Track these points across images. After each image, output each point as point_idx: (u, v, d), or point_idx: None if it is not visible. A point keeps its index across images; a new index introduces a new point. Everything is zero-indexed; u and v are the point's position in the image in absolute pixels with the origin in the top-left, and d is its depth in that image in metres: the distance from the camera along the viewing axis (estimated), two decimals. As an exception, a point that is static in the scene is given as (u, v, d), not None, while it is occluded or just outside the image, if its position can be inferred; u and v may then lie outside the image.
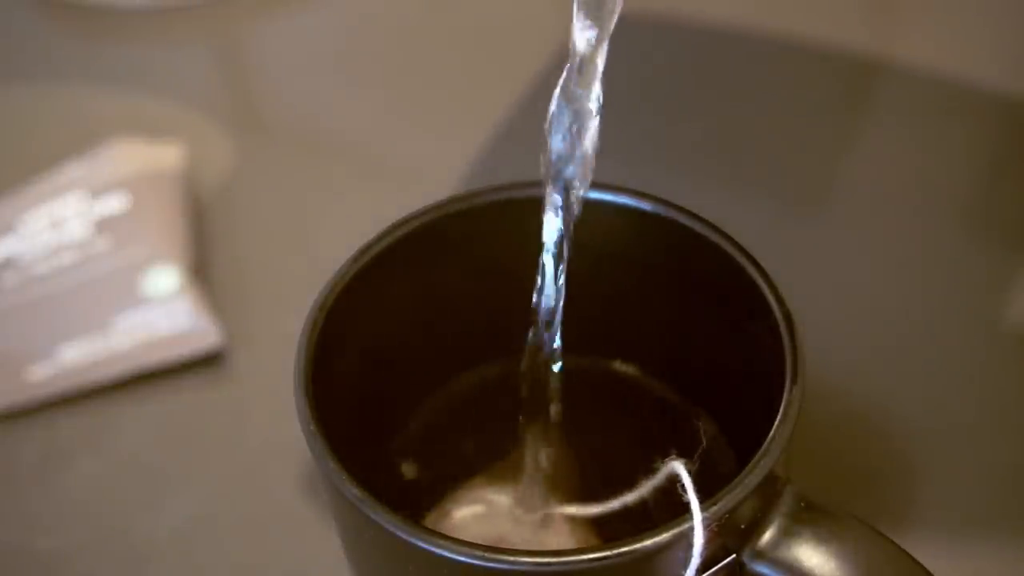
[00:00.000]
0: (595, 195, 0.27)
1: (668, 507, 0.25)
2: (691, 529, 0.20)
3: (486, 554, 0.20)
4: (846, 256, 0.40)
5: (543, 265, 0.24)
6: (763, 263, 0.25)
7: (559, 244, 0.23)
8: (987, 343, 0.37)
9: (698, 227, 0.25)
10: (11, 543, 0.34)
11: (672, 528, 0.20)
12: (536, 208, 0.27)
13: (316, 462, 0.22)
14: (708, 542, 0.20)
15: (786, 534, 0.21)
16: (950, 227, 0.41)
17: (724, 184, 0.43)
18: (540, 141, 0.23)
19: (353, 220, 0.40)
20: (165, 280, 0.39)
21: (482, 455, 0.29)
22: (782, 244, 0.40)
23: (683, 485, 0.20)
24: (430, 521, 0.27)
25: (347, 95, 0.49)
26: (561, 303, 0.24)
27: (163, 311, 0.38)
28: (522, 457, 0.28)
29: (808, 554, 0.21)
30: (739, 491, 0.20)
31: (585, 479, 0.28)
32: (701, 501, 0.20)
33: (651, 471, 0.21)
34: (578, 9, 0.20)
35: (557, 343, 0.25)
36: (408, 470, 0.29)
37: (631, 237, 0.27)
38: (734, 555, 0.20)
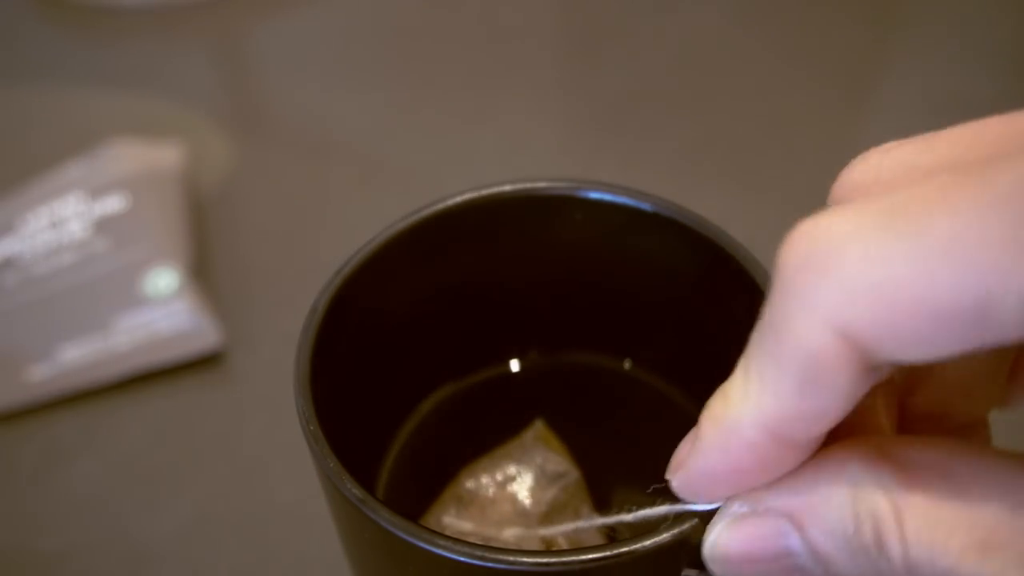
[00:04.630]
0: (595, 195, 0.27)
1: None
2: (692, 530, 0.20)
3: (486, 554, 0.20)
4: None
5: None
6: (763, 263, 0.25)
7: None
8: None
9: (698, 227, 0.25)
10: (11, 543, 0.34)
11: (672, 529, 0.20)
12: (537, 207, 0.27)
13: (316, 462, 0.22)
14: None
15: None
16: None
17: (724, 184, 0.43)
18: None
19: (353, 220, 0.40)
20: (165, 280, 0.39)
21: (481, 454, 0.29)
22: (782, 244, 0.40)
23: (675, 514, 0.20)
24: (430, 522, 0.27)
25: (347, 95, 0.49)
26: None
27: (163, 311, 0.38)
28: (522, 457, 0.28)
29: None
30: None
31: (585, 477, 0.27)
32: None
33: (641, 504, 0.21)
34: None
35: None
36: (408, 469, 0.29)
37: (631, 237, 0.27)
38: None
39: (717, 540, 0.18)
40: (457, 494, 0.27)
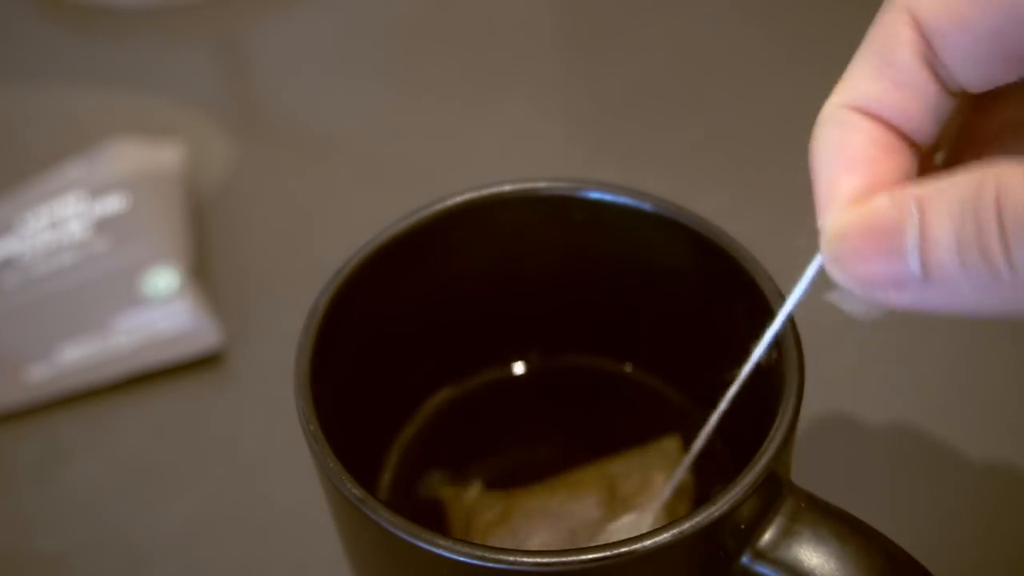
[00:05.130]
0: (595, 195, 0.27)
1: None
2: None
3: (486, 554, 0.20)
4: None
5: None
6: (763, 263, 0.25)
7: None
8: (987, 341, 0.37)
9: (698, 227, 0.25)
10: (11, 543, 0.34)
11: (671, 529, 0.20)
12: (537, 207, 0.27)
13: (316, 462, 0.22)
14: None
15: (786, 534, 0.21)
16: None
17: (724, 184, 0.43)
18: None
19: (353, 220, 0.40)
20: (165, 280, 0.39)
21: (484, 457, 0.29)
22: (782, 244, 0.40)
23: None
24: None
25: (347, 95, 0.49)
26: None
27: (163, 311, 0.38)
28: (524, 459, 0.28)
29: (808, 554, 0.21)
30: (739, 491, 0.20)
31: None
32: (699, 503, 0.20)
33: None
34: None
35: None
36: (409, 470, 0.29)
37: (631, 237, 0.27)
38: None
39: (842, 213, 0.19)
40: (610, 490, 0.26)
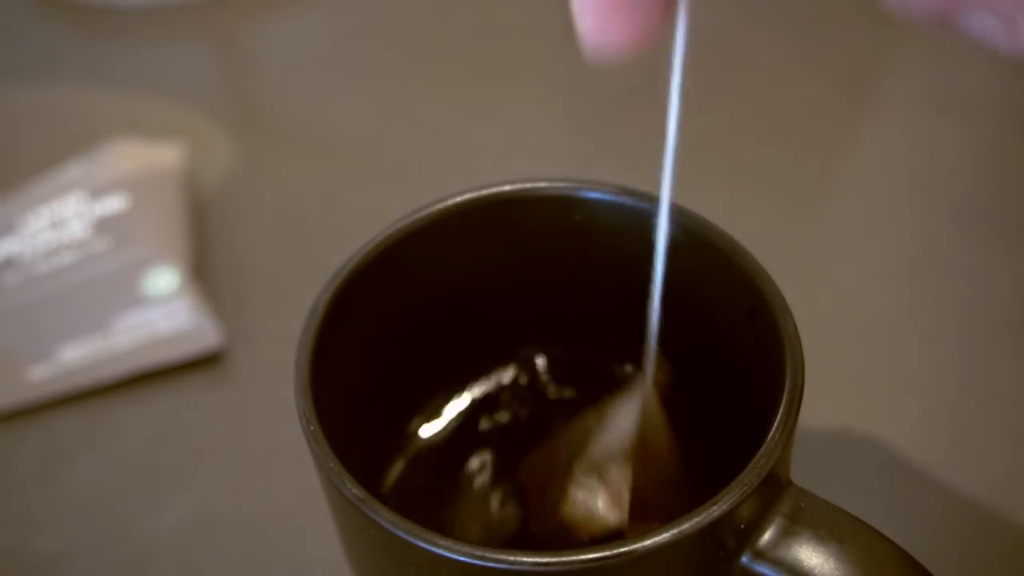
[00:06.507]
0: (595, 195, 0.27)
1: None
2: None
3: (486, 554, 0.20)
4: (845, 255, 0.40)
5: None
6: (763, 263, 0.25)
7: None
8: (986, 341, 0.37)
9: (698, 227, 0.25)
10: (11, 543, 0.34)
11: (671, 529, 0.20)
12: (537, 207, 0.27)
13: (316, 462, 0.22)
14: None
15: (786, 534, 0.21)
16: (949, 227, 0.41)
17: (724, 184, 0.43)
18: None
19: (353, 220, 0.40)
20: (165, 280, 0.39)
21: (484, 455, 0.29)
22: (782, 244, 0.40)
23: None
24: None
25: (347, 94, 0.49)
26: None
27: (163, 311, 0.38)
28: (524, 462, 0.28)
29: (808, 554, 0.21)
30: (739, 491, 0.20)
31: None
32: (700, 503, 0.20)
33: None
34: None
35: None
36: (413, 470, 0.29)
37: (631, 237, 0.27)
38: None
39: None
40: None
